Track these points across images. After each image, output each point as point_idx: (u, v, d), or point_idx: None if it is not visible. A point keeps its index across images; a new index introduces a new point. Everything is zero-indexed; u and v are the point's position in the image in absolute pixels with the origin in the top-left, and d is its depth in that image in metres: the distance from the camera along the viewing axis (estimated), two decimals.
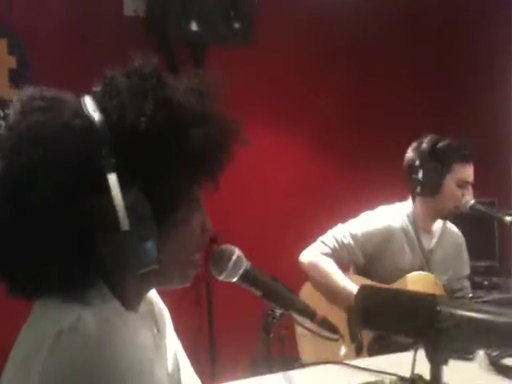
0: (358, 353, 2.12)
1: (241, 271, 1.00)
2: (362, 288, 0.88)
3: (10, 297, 0.86)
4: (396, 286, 2.24)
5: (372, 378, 1.56)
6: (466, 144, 2.29)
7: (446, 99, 3.94)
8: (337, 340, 1.09)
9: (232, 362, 1.92)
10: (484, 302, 1.96)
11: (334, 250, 2.26)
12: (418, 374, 0.98)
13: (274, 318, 1.36)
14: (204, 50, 3.38)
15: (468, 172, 2.26)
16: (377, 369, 1.60)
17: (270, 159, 3.72)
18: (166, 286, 0.97)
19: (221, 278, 1.00)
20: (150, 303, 1.06)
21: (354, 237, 2.27)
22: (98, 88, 0.89)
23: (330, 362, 1.69)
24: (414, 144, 2.31)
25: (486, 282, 3.39)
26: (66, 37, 3.13)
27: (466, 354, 1.60)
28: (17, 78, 2.91)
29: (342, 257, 2.27)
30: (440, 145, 2.25)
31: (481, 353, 1.69)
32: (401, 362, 1.57)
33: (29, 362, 0.79)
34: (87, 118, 0.82)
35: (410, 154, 2.31)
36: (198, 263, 0.93)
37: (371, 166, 3.60)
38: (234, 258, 1.00)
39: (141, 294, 0.94)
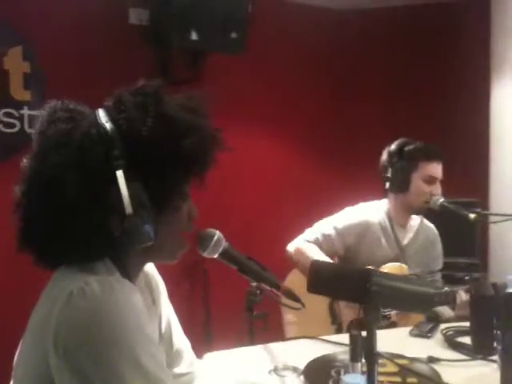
0: (338, 332, 2.35)
1: (220, 249, 1.24)
2: (313, 262, 1.11)
3: (37, 267, 1.10)
4: None
5: (340, 349, 1.79)
6: (432, 145, 2.51)
7: (424, 104, 4.17)
8: (299, 309, 1.32)
9: (222, 337, 2.14)
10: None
11: (316, 239, 2.50)
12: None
13: (255, 296, 1.59)
14: (202, 57, 3.61)
15: (433, 169, 2.46)
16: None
17: (261, 158, 3.98)
18: (159, 260, 1.21)
19: (204, 254, 1.24)
20: (148, 276, 1.30)
21: (335, 229, 2.50)
22: (109, 103, 1.12)
23: (306, 337, 1.91)
24: (387, 147, 2.55)
25: (466, 278, 3.59)
26: (74, 44, 3.35)
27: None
28: (30, 82, 3.15)
29: (325, 247, 2.49)
30: (407, 146, 2.48)
31: (438, 332, 1.94)
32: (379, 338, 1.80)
33: (45, 321, 1.00)
34: (102, 128, 1.04)
35: (383, 156, 2.55)
36: (184, 243, 1.17)
37: (353, 167, 3.86)
38: (215, 238, 1.24)
39: (140, 265, 1.18)
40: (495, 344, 1.33)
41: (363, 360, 1.11)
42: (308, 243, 2.50)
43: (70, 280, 1.02)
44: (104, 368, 0.94)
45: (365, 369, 1.10)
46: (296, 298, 1.30)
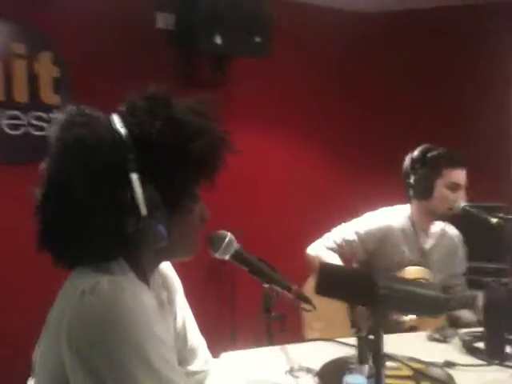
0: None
1: (232, 251, 1.27)
2: (321, 265, 1.13)
3: (56, 267, 1.14)
4: None
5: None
6: (455, 152, 2.49)
7: (446, 108, 4.12)
8: (310, 310, 1.33)
9: (245, 336, 2.19)
10: None
11: (338, 245, 2.50)
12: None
13: (270, 298, 1.61)
14: (227, 61, 3.65)
15: (457, 176, 2.44)
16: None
17: (285, 161, 4.01)
18: (172, 259, 1.25)
19: (216, 255, 1.27)
20: (165, 276, 1.34)
21: (357, 234, 2.50)
22: (122, 108, 1.16)
23: (322, 339, 1.93)
24: (410, 153, 2.53)
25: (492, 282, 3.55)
26: (102, 48, 3.41)
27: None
28: (59, 86, 3.23)
29: (345, 252, 2.50)
30: (430, 152, 2.46)
31: (456, 337, 1.93)
32: (393, 342, 1.80)
33: (59, 318, 1.04)
34: (116, 132, 1.08)
35: (405, 161, 2.53)
36: (196, 242, 1.20)
37: (373, 172, 3.86)
38: (227, 240, 1.27)
39: (154, 265, 1.21)
40: (509, 350, 1.32)
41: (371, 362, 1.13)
42: (329, 251, 2.51)
43: (83, 279, 1.06)
44: (116, 367, 0.97)
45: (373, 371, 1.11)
46: (307, 300, 1.32)
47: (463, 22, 4.11)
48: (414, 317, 2.34)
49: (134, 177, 1.05)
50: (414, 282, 1.16)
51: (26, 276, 2.84)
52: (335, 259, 2.47)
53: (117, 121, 1.11)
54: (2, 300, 2.90)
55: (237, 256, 1.28)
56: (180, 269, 1.38)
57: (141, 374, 0.98)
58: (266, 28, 3.48)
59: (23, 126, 3.07)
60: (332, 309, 1.62)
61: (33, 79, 3.12)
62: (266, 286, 1.36)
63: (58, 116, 1.15)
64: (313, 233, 2.61)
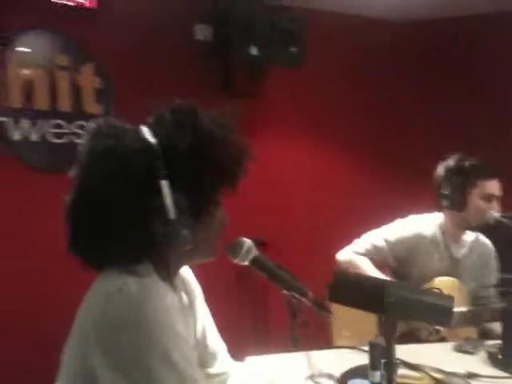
0: None
1: (250, 257, 1.31)
2: (335, 273, 1.17)
3: (85, 269, 1.21)
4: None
5: None
6: (489, 163, 2.47)
7: (477, 120, 4.09)
8: (328, 317, 1.36)
9: (275, 341, 2.23)
10: None
11: (367, 251, 2.52)
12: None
13: (294, 304, 1.65)
14: (263, 71, 3.71)
15: (492, 186, 2.42)
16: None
17: (317, 170, 4.04)
18: (194, 261, 1.30)
19: (235, 261, 1.32)
20: (185, 281, 1.40)
21: (387, 241, 2.51)
22: (150, 120, 1.22)
23: (346, 347, 1.94)
24: (443, 162, 2.51)
25: None
26: (142, 59, 3.53)
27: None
28: (101, 96, 3.35)
29: (375, 258, 2.51)
30: (465, 162, 2.43)
31: (483, 348, 1.91)
32: (418, 351, 1.84)
33: (86, 319, 1.10)
34: (146, 142, 1.14)
35: (438, 170, 2.51)
36: (217, 246, 1.26)
37: (405, 179, 3.86)
38: (245, 247, 1.31)
39: (178, 266, 1.27)
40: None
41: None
42: (359, 256, 2.52)
43: (110, 281, 1.12)
44: (142, 366, 1.03)
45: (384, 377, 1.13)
46: (323, 306, 1.34)
47: (494, 30, 4.06)
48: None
49: (164, 183, 1.11)
50: (424, 290, 1.18)
51: (56, 278, 2.94)
52: (367, 264, 2.48)
53: (146, 132, 1.17)
54: (35, 303, 3.02)
55: (255, 262, 1.33)
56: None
57: (165, 373, 1.04)
58: (301, 38, 3.53)
59: (66, 134, 3.20)
60: (361, 317, 1.63)
61: (76, 90, 3.25)
62: (285, 292, 1.39)
63: (88, 127, 1.23)
64: (343, 239, 2.63)
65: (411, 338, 2.37)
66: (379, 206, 3.18)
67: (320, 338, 2.24)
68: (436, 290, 1.09)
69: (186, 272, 1.40)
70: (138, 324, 1.04)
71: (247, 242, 1.33)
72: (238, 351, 1.85)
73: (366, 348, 1.92)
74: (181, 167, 1.14)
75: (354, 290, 1.13)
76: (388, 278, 2.37)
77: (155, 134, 1.15)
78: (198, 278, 1.45)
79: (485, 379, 1.63)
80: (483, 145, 3.63)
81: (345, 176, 4.18)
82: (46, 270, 2.95)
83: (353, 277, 1.14)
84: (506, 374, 1.67)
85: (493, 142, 3.93)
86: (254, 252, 1.33)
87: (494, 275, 2.62)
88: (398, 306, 1.09)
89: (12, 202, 3.04)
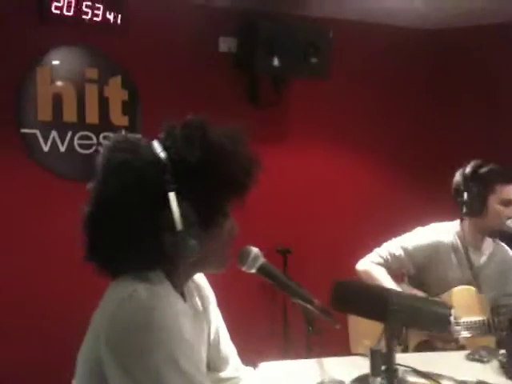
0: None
1: (257, 265, 1.37)
2: (336, 282, 1.21)
3: (99, 275, 1.28)
4: (442, 297, 2.46)
5: None
6: (506, 167, 2.47)
7: (496, 124, 4.08)
8: (334, 324, 1.40)
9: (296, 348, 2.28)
10: None
11: (386, 260, 2.54)
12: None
13: (308, 312, 1.69)
14: (285, 83, 3.77)
15: (510, 191, 2.42)
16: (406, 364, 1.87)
17: (340, 181, 4.08)
18: (205, 270, 1.37)
19: (243, 269, 1.37)
20: (199, 286, 1.46)
21: (404, 249, 2.53)
22: (161, 135, 1.29)
23: (359, 355, 1.97)
24: (460, 169, 2.52)
25: None
26: (169, 71, 3.63)
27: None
28: (128, 108, 3.46)
29: (393, 267, 2.54)
30: (482, 168, 2.45)
31: (494, 359, 1.92)
32: (431, 359, 1.86)
33: (99, 322, 1.17)
34: (157, 157, 1.21)
35: (456, 178, 2.52)
36: (228, 256, 1.31)
37: (426, 186, 3.86)
38: (252, 255, 1.36)
39: (188, 275, 1.33)
40: None
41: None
42: (377, 265, 2.55)
43: (123, 287, 1.19)
44: (149, 369, 1.09)
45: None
46: (329, 314, 1.38)
47: None
48: (462, 336, 2.34)
49: (172, 196, 1.17)
50: (423, 299, 1.22)
51: (75, 283, 3.02)
52: (383, 274, 2.50)
53: (157, 146, 1.23)
54: (56, 306, 3.13)
55: (262, 270, 1.38)
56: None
57: (171, 376, 1.10)
58: (323, 49, 3.58)
59: (94, 145, 3.32)
60: (380, 325, 1.66)
61: (103, 102, 3.36)
62: (294, 300, 1.43)
63: (105, 142, 1.31)
64: (366, 247, 2.66)
65: (428, 346, 2.39)
66: (401, 214, 3.20)
67: (337, 346, 2.27)
68: (436, 299, 1.13)
69: (200, 278, 1.46)
70: (147, 328, 1.10)
71: (254, 250, 1.38)
72: (256, 357, 1.91)
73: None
74: (189, 180, 1.19)
75: (357, 299, 1.17)
76: (399, 289, 2.40)
77: (165, 149, 1.21)
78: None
79: None
80: (503, 151, 3.63)
81: (367, 184, 4.20)
82: (71, 276, 3.06)
83: (355, 286, 1.18)
84: None
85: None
86: (261, 260, 1.38)
87: None
88: (400, 314, 1.13)
89: (41, 211, 3.16)
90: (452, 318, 1.66)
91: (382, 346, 1.20)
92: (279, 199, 3.96)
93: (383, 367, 1.18)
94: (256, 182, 1.29)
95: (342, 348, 2.48)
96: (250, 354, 1.89)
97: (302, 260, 3.78)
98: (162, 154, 1.20)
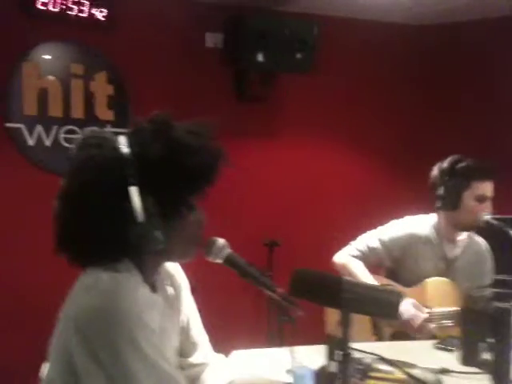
0: None
1: (223, 255, 1.42)
2: (294, 271, 1.27)
3: (71, 265, 1.33)
4: (416, 289, 2.53)
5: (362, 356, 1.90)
6: (485, 163, 2.52)
7: (493, 122, 4.13)
8: (297, 312, 1.45)
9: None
10: None
11: (362, 252, 2.60)
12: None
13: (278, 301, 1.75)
14: (272, 78, 3.82)
15: (486, 188, 2.47)
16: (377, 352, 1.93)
17: (328, 173, 4.13)
18: (172, 260, 1.42)
19: (210, 258, 1.43)
20: (172, 276, 1.51)
21: (381, 242, 2.58)
22: (129, 130, 1.34)
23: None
24: (439, 163, 2.57)
25: None
26: (155, 66, 3.68)
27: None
28: (113, 103, 3.50)
29: (370, 259, 2.59)
30: (459, 164, 2.49)
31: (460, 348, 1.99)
32: (401, 348, 1.94)
33: (68, 310, 1.23)
34: (120, 152, 1.26)
35: (434, 171, 2.56)
36: (193, 247, 1.37)
37: (416, 180, 3.90)
38: (219, 245, 1.42)
39: (156, 265, 1.38)
40: (484, 356, 1.39)
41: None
42: (354, 258, 2.60)
43: (89, 276, 1.25)
44: (111, 351, 1.15)
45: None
46: (292, 302, 1.44)
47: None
48: (435, 326, 2.41)
49: (133, 190, 1.23)
50: (376, 287, 1.28)
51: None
52: (360, 267, 2.56)
53: (122, 141, 1.28)
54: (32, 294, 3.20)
55: (228, 260, 1.43)
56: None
57: (132, 358, 1.15)
58: (309, 45, 3.62)
59: None
60: (358, 316, 1.71)
61: (89, 97, 3.41)
62: (260, 289, 1.49)
63: (77, 138, 1.36)
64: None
65: (403, 335, 2.45)
66: (389, 207, 3.22)
67: (314, 335, 2.33)
68: (388, 287, 1.19)
69: (172, 267, 1.51)
70: (108, 313, 1.16)
71: (220, 240, 1.43)
72: (240, 344, 1.97)
73: (353, 344, 2.03)
74: (151, 174, 1.24)
75: (313, 287, 1.23)
76: (376, 281, 2.47)
77: (131, 144, 1.26)
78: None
79: (455, 374, 1.71)
80: (498, 148, 3.69)
81: (355, 178, 4.27)
82: (61, 270, 3.10)
83: (312, 275, 1.24)
84: (478, 371, 1.74)
85: (508, 146, 3.98)
86: (227, 250, 1.43)
87: (488, 275, 2.64)
88: (353, 302, 1.19)
89: (25, 204, 3.22)
90: (403, 305, 1.75)
91: (339, 332, 1.26)
92: (267, 193, 4.02)
93: (339, 352, 1.23)
94: (219, 176, 1.33)
95: (319, 338, 2.54)
96: (234, 342, 1.97)
97: (290, 253, 3.83)
98: (125, 150, 1.25)
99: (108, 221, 1.23)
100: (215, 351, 1.64)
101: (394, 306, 1.16)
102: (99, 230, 1.24)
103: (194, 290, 1.60)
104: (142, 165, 1.24)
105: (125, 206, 1.23)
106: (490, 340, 1.40)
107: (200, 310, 1.58)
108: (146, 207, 1.23)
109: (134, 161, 1.24)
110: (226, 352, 1.88)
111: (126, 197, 1.23)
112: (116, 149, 1.27)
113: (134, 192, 1.23)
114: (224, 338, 1.86)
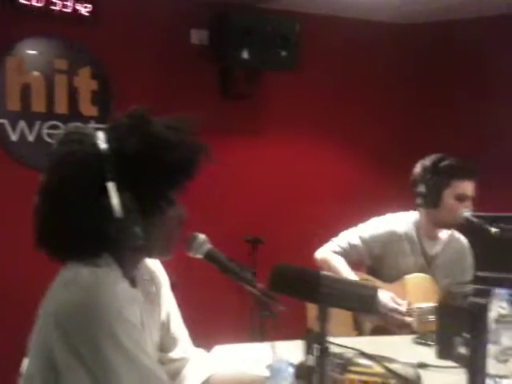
0: None
1: (204, 251, 1.43)
2: (274, 266, 1.28)
3: (51, 260, 1.33)
4: (396, 285, 2.56)
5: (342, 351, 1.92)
6: (467, 163, 2.56)
7: (483, 119, 4.17)
8: (278, 307, 1.47)
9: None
10: None
11: (344, 249, 2.62)
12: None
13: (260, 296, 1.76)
14: (256, 75, 3.83)
15: (466, 187, 2.50)
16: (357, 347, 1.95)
17: (312, 170, 4.15)
18: (152, 256, 1.42)
19: (190, 254, 1.44)
20: (152, 272, 1.51)
21: (362, 239, 2.60)
22: (108, 126, 1.34)
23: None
24: (421, 161, 2.60)
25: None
26: (140, 62, 3.67)
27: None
28: (97, 98, 3.49)
29: (351, 256, 2.61)
30: (441, 162, 2.52)
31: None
32: (381, 343, 1.96)
33: (48, 305, 1.23)
34: (97, 148, 1.26)
35: (416, 169, 2.59)
36: (174, 243, 1.37)
37: (400, 178, 3.94)
38: (199, 241, 1.43)
39: (136, 261, 1.38)
40: (460, 350, 1.42)
41: None
42: (335, 255, 2.62)
43: (69, 271, 1.26)
44: (90, 346, 1.15)
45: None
46: (271, 297, 1.45)
47: (498, 33, 4.13)
48: (414, 320, 2.44)
49: (110, 185, 1.23)
50: (353, 282, 1.30)
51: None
52: (341, 263, 2.58)
53: (100, 136, 1.28)
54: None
55: (208, 256, 1.44)
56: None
57: (112, 353, 1.16)
58: (293, 42, 3.64)
59: None
60: (339, 312, 1.73)
61: (73, 92, 3.40)
62: (240, 284, 1.50)
63: (58, 133, 1.36)
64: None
65: (384, 330, 2.48)
66: (374, 204, 3.23)
67: (296, 330, 2.35)
68: (365, 282, 1.20)
69: (152, 263, 1.52)
70: (87, 308, 1.17)
71: (201, 236, 1.44)
72: (224, 339, 1.99)
73: (333, 340, 2.05)
74: (129, 170, 1.24)
75: (292, 282, 1.24)
76: (357, 277, 2.49)
77: (109, 139, 1.27)
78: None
79: (432, 368, 1.74)
80: (490, 146, 3.72)
81: (340, 175, 4.30)
82: (43, 266, 3.10)
83: (291, 269, 1.25)
84: (455, 365, 1.77)
85: (496, 145, 4.03)
86: (207, 246, 1.44)
87: (468, 272, 2.68)
88: (329, 296, 1.21)
89: (7, 200, 3.20)
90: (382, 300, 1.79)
91: (317, 326, 1.27)
92: (252, 191, 4.03)
93: (317, 346, 1.25)
94: (198, 171, 1.32)
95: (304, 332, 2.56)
96: (217, 338, 1.98)
97: (274, 250, 3.84)
98: (103, 145, 1.25)
99: (86, 216, 1.24)
100: (198, 347, 1.65)
101: (370, 299, 1.18)
102: (78, 225, 1.24)
103: (175, 286, 1.61)
104: (119, 160, 1.24)
105: (103, 202, 1.23)
106: (466, 335, 1.42)
107: (180, 306, 1.58)
108: (125, 203, 1.23)
109: (111, 156, 1.25)
110: (209, 347, 1.90)
111: (105, 193, 1.23)
112: (95, 144, 1.27)
113: (111, 188, 1.23)
114: (207, 334, 1.87)
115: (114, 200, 1.23)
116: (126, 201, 1.24)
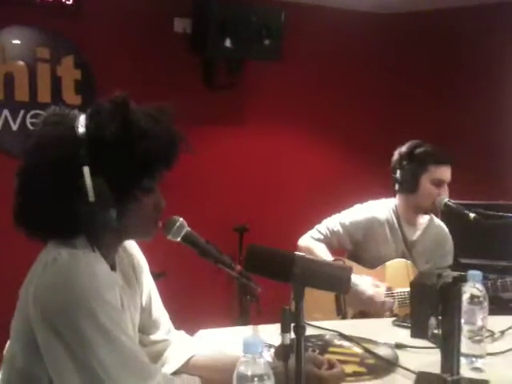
0: None
1: (182, 234, 1.45)
2: (248, 246, 1.30)
3: (30, 240, 1.34)
4: (377, 271, 2.60)
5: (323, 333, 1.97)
6: (442, 148, 2.61)
7: (461, 110, 4.23)
8: (256, 289, 1.50)
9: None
10: None
11: (325, 236, 2.66)
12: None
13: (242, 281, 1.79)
14: (240, 65, 3.84)
15: (443, 172, 2.55)
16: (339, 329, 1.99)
17: (295, 160, 4.18)
18: (128, 239, 1.45)
19: (169, 237, 1.45)
20: (131, 255, 1.54)
21: (342, 225, 2.65)
22: (91, 108, 1.34)
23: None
24: (398, 148, 2.65)
25: (499, 280, 3.59)
26: (123, 50, 3.66)
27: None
28: (81, 87, 3.49)
29: (332, 242, 2.65)
30: (418, 149, 2.57)
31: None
32: (361, 325, 2.00)
33: (28, 286, 1.26)
34: (76, 131, 1.27)
35: (394, 156, 2.65)
36: (151, 227, 1.39)
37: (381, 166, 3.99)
38: (178, 224, 1.44)
39: (113, 243, 1.39)
40: (434, 330, 1.45)
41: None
42: (317, 241, 2.66)
43: (48, 252, 1.28)
44: (70, 326, 1.18)
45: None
46: (249, 279, 1.48)
47: (476, 23, 4.17)
48: (395, 305, 2.49)
49: (85, 170, 1.24)
50: (327, 263, 1.33)
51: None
52: (323, 250, 2.61)
53: (81, 120, 1.29)
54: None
55: (186, 238, 1.46)
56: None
57: (92, 333, 1.19)
58: (276, 31, 3.65)
59: None
60: (318, 294, 1.76)
61: (56, 81, 3.39)
62: (219, 267, 1.52)
63: (41, 116, 1.37)
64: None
65: (366, 315, 2.53)
66: (356, 192, 3.29)
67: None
68: (340, 263, 1.23)
69: (132, 247, 1.54)
70: (67, 289, 1.19)
71: (179, 219, 1.46)
72: (210, 323, 2.02)
73: (316, 323, 2.09)
74: (105, 155, 1.25)
75: (266, 262, 1.27)
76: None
77: (89, 123, 1.28)
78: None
79: (409, 349, 1.78)
80: (457, 130, 3.76)
81: (322, 163, 4.34)
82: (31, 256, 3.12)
83: (265, 250, 1.28)
84: (432, 345, 1.81)
85: (474, 136, 4.08)
86: (185, 229, 1.46)
87: (448, 257, 2.74)
88: (303, 276, 1.23)
89: None
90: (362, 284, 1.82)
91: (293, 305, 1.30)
92: (236, 180, 4.06)
93: (292, 324, 1.28)
94: (176, 159, 1.35)
95: None
96: (203, 322, 2.01)
97: (260, 238, 3.86)
98: (81, 129, 1.26)
99: (60, 197, 1.25)
100: (185, 332, 1.68)
101: (344, 280, 1.21)
102: (51, 205, 1.26)
103: (162, 275, 1.63)
104: (95, 145, 1.25)
105: (77, 185, 1.24)
106: (439, 317, 1.46)
107: (167, 291, 1.60)
108: (98, 187, 1.25)
109: (87, 140, 1.25)
110: (195, 331, 1.93)
111: (79, 176, 1.24)
112: (73, 128, 1.28)
113: (85, 172, 1.24)
114: (193, 318, 1.90)
115: (88, 184, 1.24)
116: (99, 186, 1.25)
